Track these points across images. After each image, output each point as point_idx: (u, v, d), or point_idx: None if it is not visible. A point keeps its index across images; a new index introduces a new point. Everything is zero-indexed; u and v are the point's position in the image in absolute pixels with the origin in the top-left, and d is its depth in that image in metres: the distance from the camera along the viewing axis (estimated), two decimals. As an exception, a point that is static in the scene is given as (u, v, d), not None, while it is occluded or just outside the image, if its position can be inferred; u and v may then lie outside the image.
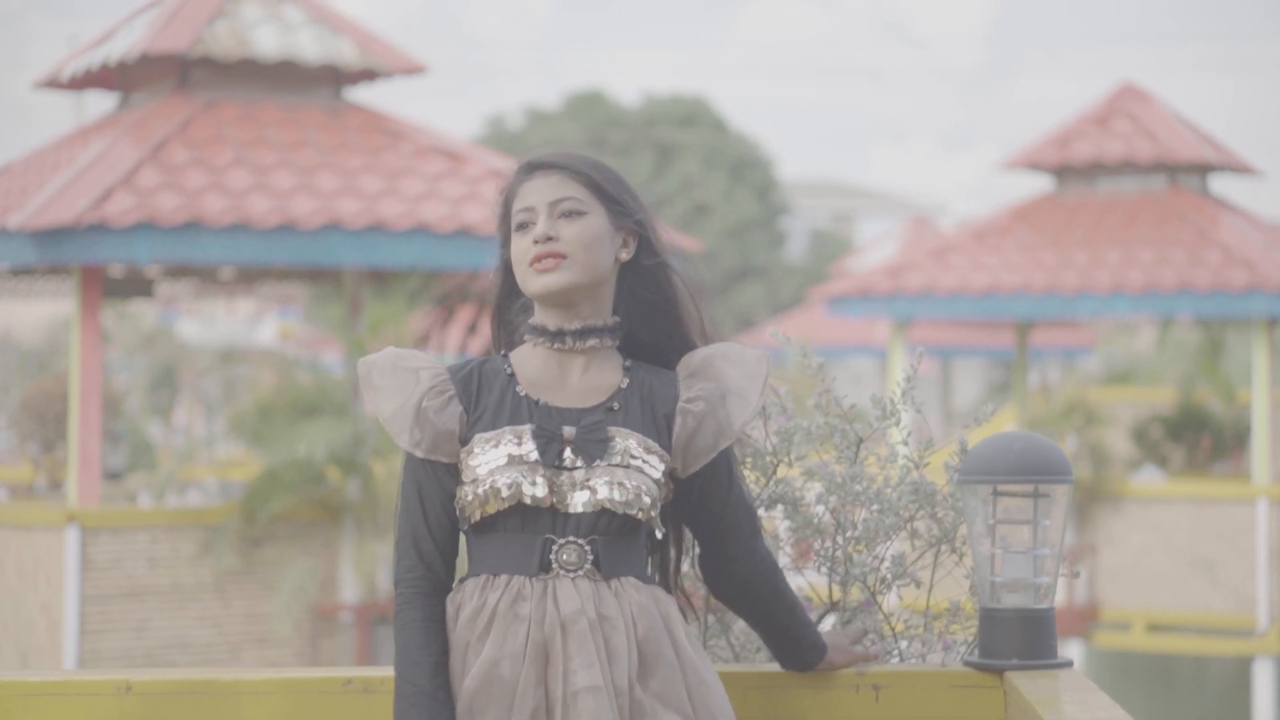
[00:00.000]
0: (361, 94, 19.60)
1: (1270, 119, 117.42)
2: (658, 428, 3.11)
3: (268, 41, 11.43)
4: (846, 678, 3.41)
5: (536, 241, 3.08)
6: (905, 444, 3.76)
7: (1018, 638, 3.36)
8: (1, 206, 10.82)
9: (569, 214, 3.09)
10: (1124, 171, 16.11)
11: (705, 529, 3.21)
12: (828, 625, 3.84)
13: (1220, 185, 21.54)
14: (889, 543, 3.70)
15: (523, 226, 3.12)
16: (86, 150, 11.20)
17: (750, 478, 3.78)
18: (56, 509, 10.76)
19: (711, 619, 3.82)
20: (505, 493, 3.02)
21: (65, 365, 18.78)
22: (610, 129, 46.38)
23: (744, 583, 3.24)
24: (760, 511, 3.77)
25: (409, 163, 11.37)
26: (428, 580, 3.08)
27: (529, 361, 3.14)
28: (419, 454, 3.08)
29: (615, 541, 3.05)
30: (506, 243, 3.19)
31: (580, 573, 3.02)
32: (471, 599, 3.03)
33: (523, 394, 3.10)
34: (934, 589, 3.72)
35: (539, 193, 3.12)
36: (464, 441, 3.08)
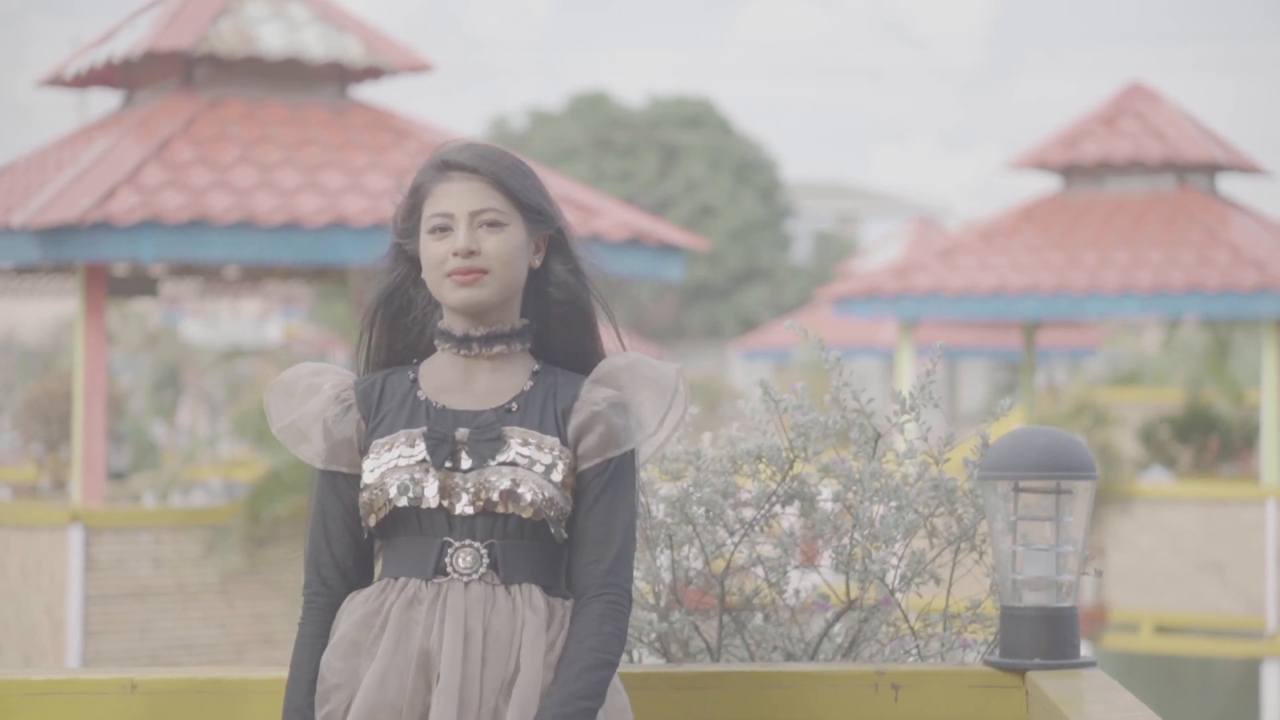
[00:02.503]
0: (366, 92, 19.55)
1: (1271, 119, 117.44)
2: (557, 424, 3.02)
3: (272, 39, 11.38)
4: (865, 676, 3.35)
5: (457, 254, 3.01)
6: (925, 439, 3.70)
7: (1039, 636, 3.30)
8: (5, 205, 10.78)
9: (491, 225, 3.03)
10: (1132, 171, 16.05)
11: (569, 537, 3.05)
12: (841, 624, 3.78)
13: (1227, 185, 21.40)
14: (907, 540, 3.65)
15: (439, 230, 3.05)
16: (90, 148, 11.15)
17: (765, 473, 3.72)
18: (60, 509, 10.72)
19: (726, 618, 3.77)
20: (394, 494, 2.97)
21: (69, 365, 18.74)
22: (614, 130, 46.36)
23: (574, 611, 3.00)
24: (775, 508, 3.71)
25: (415, 161, 11.31)
26: (322, 595, 3.06)
27: (437, 367, 3.10)
28: (318, 464, 3.06)
29: (516, 545, 2.97)
30: (406, 236, 3.12)
31: (475, 577, 2.95)
32: (368, 601, 2.99)
33: (423, 398, 3.05)
34: (954, 587, 3.67)
35: (458, 199, 3.05)
36: (364, 450, 3.04)
